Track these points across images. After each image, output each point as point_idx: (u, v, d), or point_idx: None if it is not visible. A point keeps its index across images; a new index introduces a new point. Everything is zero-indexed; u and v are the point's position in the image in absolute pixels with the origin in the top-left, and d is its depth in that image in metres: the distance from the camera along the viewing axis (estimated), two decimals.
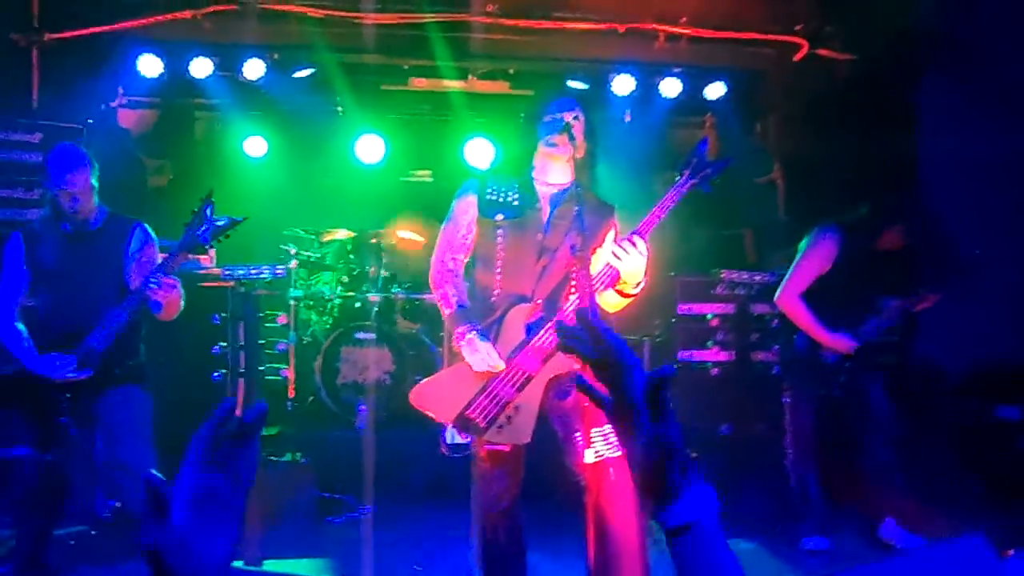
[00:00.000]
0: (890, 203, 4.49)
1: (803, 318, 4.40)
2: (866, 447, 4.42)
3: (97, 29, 6.08)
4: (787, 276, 4.50)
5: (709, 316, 5.86)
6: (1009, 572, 2.83)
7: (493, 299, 3.24)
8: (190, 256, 3.85)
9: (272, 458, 4.94)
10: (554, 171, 3.30)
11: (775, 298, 4.54)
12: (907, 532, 4.36)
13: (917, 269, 4.54)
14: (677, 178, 3.10)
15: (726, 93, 7.03)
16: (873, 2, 6.05)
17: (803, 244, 4.51)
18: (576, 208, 3.13)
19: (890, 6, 5.84)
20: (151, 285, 3.47)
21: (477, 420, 3.08)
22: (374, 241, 6.52)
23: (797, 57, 6.62)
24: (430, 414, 3.16)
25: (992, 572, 2.67)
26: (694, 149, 3.15)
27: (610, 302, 3.22)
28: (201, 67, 6.58)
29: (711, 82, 6.99)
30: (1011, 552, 3.35)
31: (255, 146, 7.41)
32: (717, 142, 7.51)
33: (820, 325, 4.37)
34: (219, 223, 3.54)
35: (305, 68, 6.84)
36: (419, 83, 7.26)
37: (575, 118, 3.28)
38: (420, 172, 8.14)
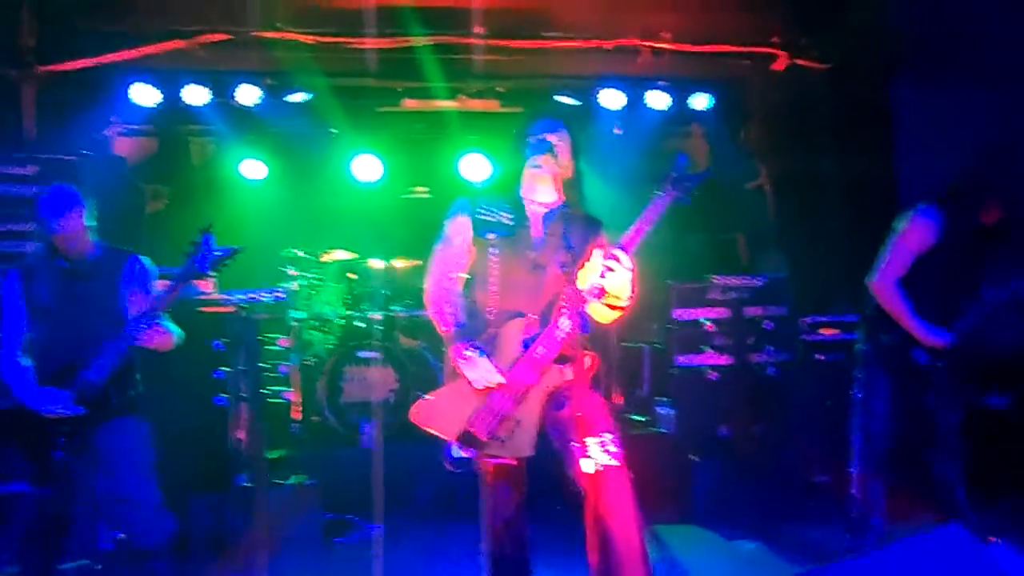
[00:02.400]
0: (986, 172, 3.98)
1: (897, 306, 3.96)
2: (931, 460, 4.07)
3: (91, 61, 6.20)
4: (882, 259, 4.03)
5: (704, 321, 5.94)
6: (992, 559, 2.91)
7: (489, 316, 3.33)
8: (193, 284, 3.91)
9: (278, 482, 4.99)
10: (540, 190, 3.40)
11: (868, 281, 4.06)
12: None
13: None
14: (658, 193, 3.20)
15: (711, 103, 7.16)
16: (846, 13, 6.16)
17: (897, 224, 4.02)
18: (564, 225, 3.24)
19: (863, 16, 5.96)
20: (135, 334, 3.52)
21: (479, 435, 3.17)
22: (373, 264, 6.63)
23: (776, 67, 6.73)
24: (432, 431, 3.24)
25: (975, 560, 2.76)
26: (673, 163, 3.24)
27: (603, 315, 3.32)
28: (196, 95, 6.69)
29: (696, 93, 7.12)
30: (994, 539, 3.43)
31: (252, 169, 7.51)
32: (706, 151, 7.64)
33: (915, 316, 3.94)
34: (218, 253, 3.57)
35: (298, 92, 6.94)
36: (411, 104, 7.37)
37: (559, 139, 3.38)
38: (418, 189, 8.25)
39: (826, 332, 5.85)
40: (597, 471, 3.08)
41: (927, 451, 4.09)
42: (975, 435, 4.59)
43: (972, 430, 4.31)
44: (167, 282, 3.62)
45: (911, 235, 3.95)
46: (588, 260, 3.30)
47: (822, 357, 5.82)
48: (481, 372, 3.17)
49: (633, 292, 3.22)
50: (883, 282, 4.00)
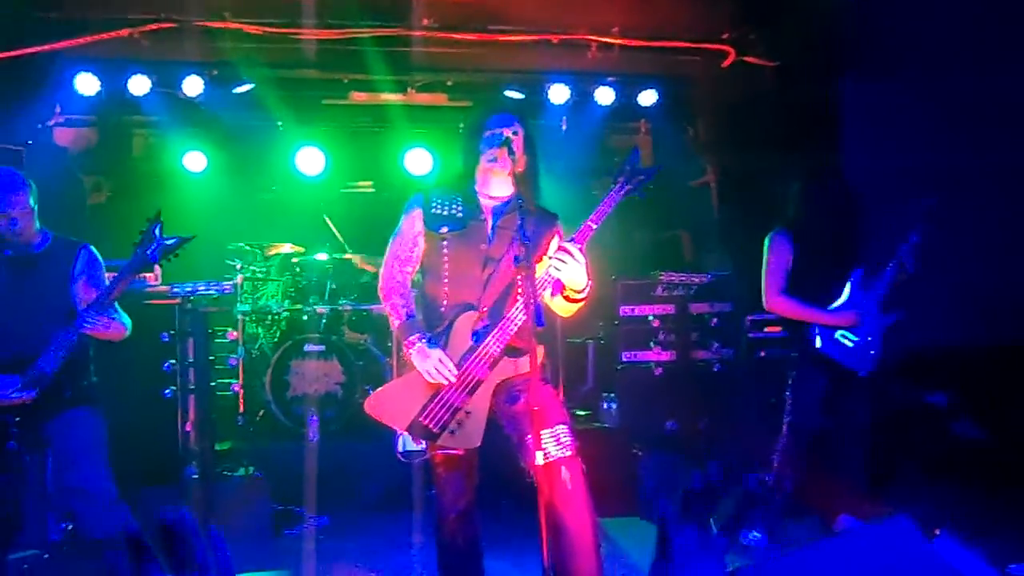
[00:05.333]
0: (806, 198, 4.64)
1: (798, 310, 4.51)
2: (840, 443, 4.51)
3: (33, 50, 6.02)
4: (763, 283, 4.62)
5: (650, 317, 6.02)
6: (936, 551, 3.03)
7: (442, 309, 3.34)
8: (139, 276, 3.86)
9: (226, 473, 4.96)
10: (495, 185, 3.42)
11: (765, 305, 4.62)
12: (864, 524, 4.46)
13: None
14: (612, 186, 3.24)
15: (658, 100, 7.22)
16: (794, 10, 6.27)
17: (764, 252, 4.65)
18: (518, 219, 3.26)
19: (811, 14, 6.08)
20: (85, 324, 3.48)
21: (430, 426, 3.19)
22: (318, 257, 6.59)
23: (724, 64, 6.82)
24: (384, 422, 3.25)
25: (920, 551, 2.86)
26: (627, 157, 3.29)
27: (563, 308, 3.35)
28: (139, 84, 6.58)
29: (643, 89, 7.17)
30: (938, 532, 3.57)
31: (195, 161, 7.42)
32: (651, 147, 7.72)
33: (818, 309, 4.49)
34: (168, 242, 3.54)
35: (244, 84, 6.85)
36: (359, 97, 7.32)
37: (514, 132, 3.38)
38: (361, 183, 8.21)
39: (770, 329, 5.96)
40: (551, 463, 3.12)
41: (840, 444, 4.54)
42: (921, 432, 4.85)
43: (918, 427, 4.58)
44: (114, 273, 3.58)
45: (775, 254, 4.59)
46: (545, 252, 3.34)
47: (765, 354, 5.94)
48: (432, 363, 3.19)
49: (589, 284, 3.24)
50: (774, 297, 4.57)
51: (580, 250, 3.14)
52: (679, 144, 7.58)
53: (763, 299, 4.63)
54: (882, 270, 4.56)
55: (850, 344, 4.49)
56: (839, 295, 4.54)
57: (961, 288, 6.11)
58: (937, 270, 6.00)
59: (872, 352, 4.50)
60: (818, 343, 4.50)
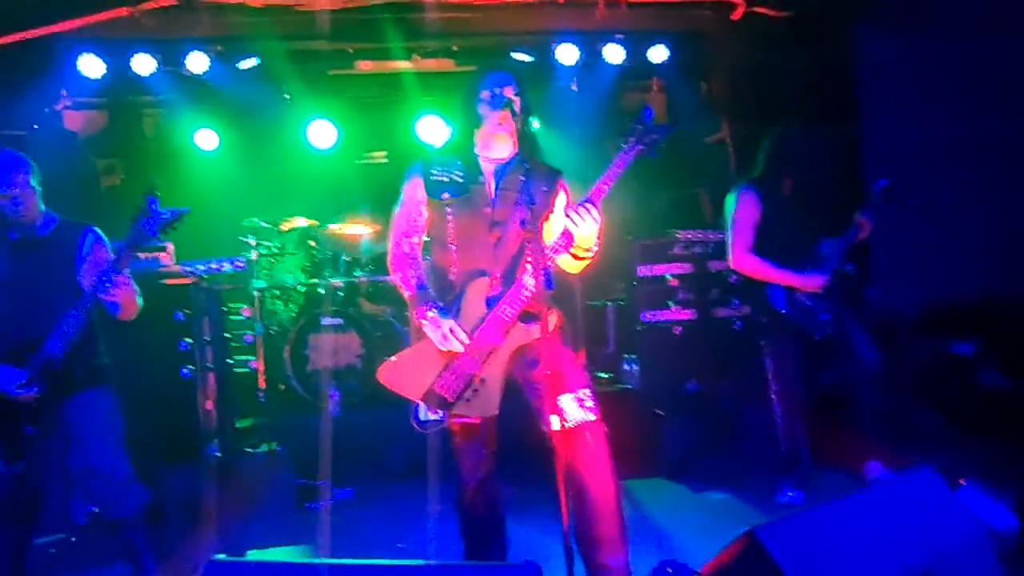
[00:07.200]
0: (775, 153, 4.61)
1: (764, 270, 4.52)
2: (855, 390, 4.53)
3: (33, 32, 5.98)
4: (729, 241, 4.62)
5: (668, 276, 5.95)
6: (961, 500, 2.99)
7: (452, 277, 3.30)
8: (138, 254, 3.84)
9: (248, 449, 4.98)
10: (497, 146, 3.35)
11: (729, 264, 4.68)
12: (893, 473, 4.43)
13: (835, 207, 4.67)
14: (623, 145, 3.14)
15: (670, 56, 7.08)
16: None
17: (727, 208, 4.64)
18: (522, 179, 3.20)
19: None
20: (105, 286, 3.46)
21: (444, 395, 3.16)
22: (333, 227, 6.56)
23: (735, 16, 6.68)
24: (399, 392, 3.22)
25: (944, 501, 2.82)
26: (639, 115, 3.18)
27: (570, 265, 3.27)
28: (144, 64, 6.55)
29: (654, 46, 7.04)
30: (963, 481, 3.53)
31: (206, 139, 7.41)
32: (665, 105, 7.59)
33: (785, 270, 4.49)
34: (164, 215, 3.51)
35: (249, 58, 6.80)
36: (365, 66, 7.24)
37: (516, 93, 3.32)
38: (375, 154, 8.15)
39: None
40: (569, 427, 3.09)
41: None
42: (946, 381, 4.77)
43: (943, 377, 4.53)
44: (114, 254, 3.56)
45: (743, 210, 4.56)
46: (552, 211, 3.27)
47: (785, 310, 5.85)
48: (444, 333, 3.15)
49: (598, 243, 3.18)
50: (740, 256, 4.57)
51: (597, 209, 3.07)
52: (693, 101, 7.45)
53: (728, 257, 4.64)
54: (840, 238, 4.56)
55: (807, 302, 4.51)
56: (802, 257, 4.52)
57: (989, 238, 6.00)
58: (964, 221, 5.89)
59: (822, 317, 4.51)
60: (780, 307, 4.53)
